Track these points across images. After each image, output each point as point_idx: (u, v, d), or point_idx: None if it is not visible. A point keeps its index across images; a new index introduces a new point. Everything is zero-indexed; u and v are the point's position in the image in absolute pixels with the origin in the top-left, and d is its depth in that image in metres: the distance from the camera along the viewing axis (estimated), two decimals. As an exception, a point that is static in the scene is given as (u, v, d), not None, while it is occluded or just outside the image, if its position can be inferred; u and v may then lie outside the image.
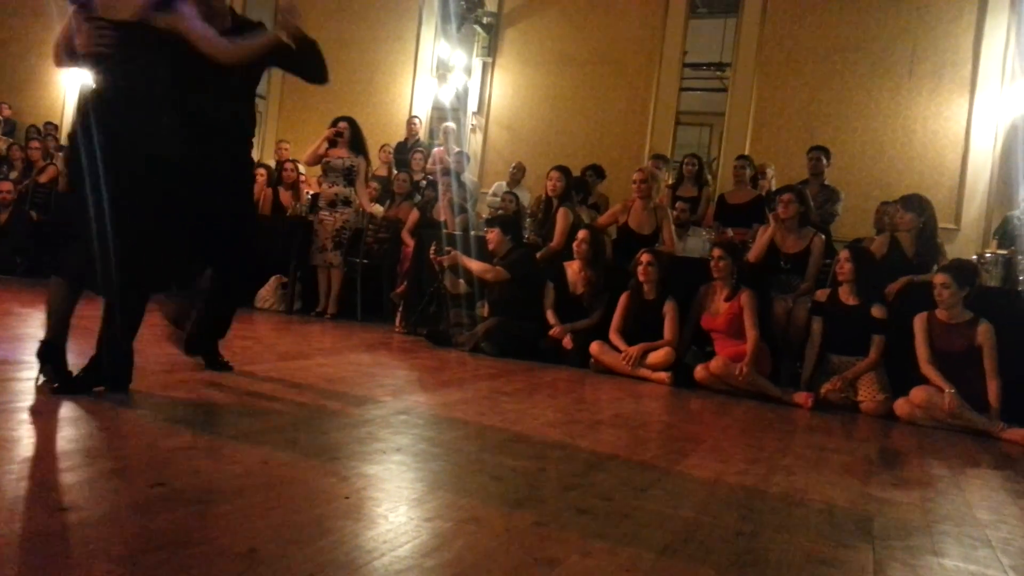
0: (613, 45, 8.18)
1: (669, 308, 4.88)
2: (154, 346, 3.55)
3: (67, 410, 2.63)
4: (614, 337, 4.94)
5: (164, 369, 3.43)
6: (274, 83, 9.42)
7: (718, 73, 9.74)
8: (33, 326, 4.56)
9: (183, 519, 1.77)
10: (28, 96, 10.31)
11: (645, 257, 4.95)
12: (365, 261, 6.66)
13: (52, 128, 9.31)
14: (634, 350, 4.77)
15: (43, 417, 2.53)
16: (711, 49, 9.25)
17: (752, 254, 5.21)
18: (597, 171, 7.17)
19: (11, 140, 9.09)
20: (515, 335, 5.14)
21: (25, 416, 2.52)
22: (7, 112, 9.78)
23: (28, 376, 2.98)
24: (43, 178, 7.75)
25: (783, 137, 7.67)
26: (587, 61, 8.24)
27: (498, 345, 5.12)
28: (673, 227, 5.66)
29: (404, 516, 1.98)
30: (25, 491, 1.85)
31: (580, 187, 6.51)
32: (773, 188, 6.27)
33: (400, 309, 6.05)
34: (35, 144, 8.21)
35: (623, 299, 5.03)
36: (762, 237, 5.25)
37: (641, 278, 4.95)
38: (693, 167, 6.81)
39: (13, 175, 7.74)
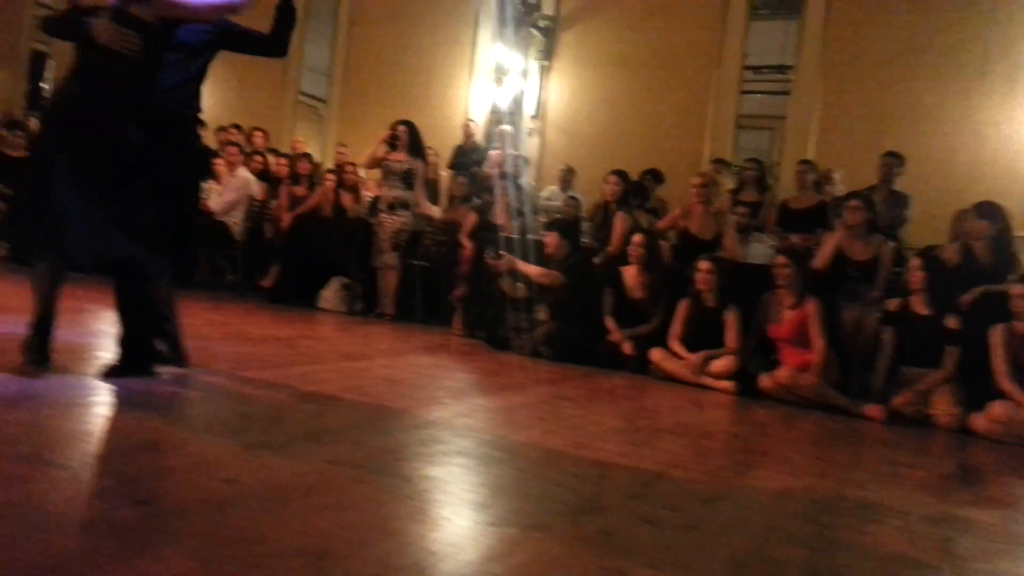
0: (671, 48, 8.09)
1: (731, 316, 4.79)
2: (221, 343, 3.63)
3: (140, 405, 2.70)
4: (674, 344, 4.86)
5: (232, 365, 3.49)
6: (334, 88, 9.56)
7: (780, 76, 9.54)
8: (102, 322, 4.71)
9: (255, 516, 1.79)
10: None
11: (704, 265, 4.87)
12: (424, 263, 6.70)
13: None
14: (696, 357, 4.69)
15: (118, 411, 2.59)
16: (773, 51, 9.08)
17: (818, 261, 5.08)
18: (655, 175, 7.09)
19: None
20: (573, 340, 5.11)
21: (101, 410, 2.59)
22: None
23: (95, 369, 3.06)
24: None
25: (849, 141, 7.47)
26: (645, 64, 8.16)
27: (556, 350, 5.09)
28: (735, 233, 5.56)
29: (469, 520, 1.98)
30: (104, 483, 1.89)
31: (638, 191, 6.44)
32: (840, 194, 6.11)
33: (459, 312, 6.07)
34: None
35: (683, 306, 4.95)
36: (828, 244, 5.11)
37: (701, 286, 4.87)
38: (754, 172, 6.68)
39: None
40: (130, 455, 2.14)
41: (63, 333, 3.06)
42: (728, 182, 6.96)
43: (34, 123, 10.44)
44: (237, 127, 8.20)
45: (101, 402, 2.67)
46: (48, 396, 2.67)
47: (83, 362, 3.15)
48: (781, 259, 4.75)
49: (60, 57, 11.41)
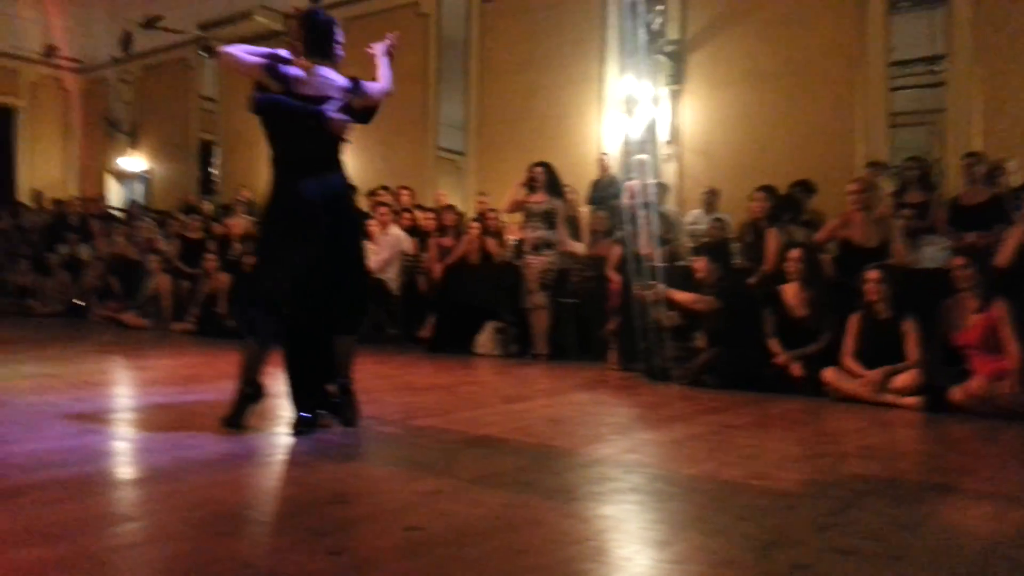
0: (808, 53, 7.77)
1: (909, 326, 4.45)
2: (389, 394, 3.77)
3: (324, 458, 2.84)
4: (849, 362, 4.57)
5: (402, 415, 3.62)
6: (470, 139, 9.87)
7: (931, 68, 8.92)
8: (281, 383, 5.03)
9: (441, 562, 1.83)
10: (263, 178, 11.51)
11: (873, 274, 4.57)
12: (573, 300, 6.71)
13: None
14: (876, 374, 4.39)
15: (305, 466, 2.74)
16: (920, 43, 8.51)
17: (1001, 259, 4.65)
18: (805, 187, 6.77)
19: (252, 218, 10.22)
20: (737, 365, 4.92)
21: (290, 466, 2.75)
22: (246, 194, 11.03)
23: (280, 428, 3.27)
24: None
25: (1019, 127, 6.84)
26: (781, 74, 7.87)
27: (720, 377, 4.92)
28: (902, 237, 5.19)
29: (650, 559, 1.93)
30: (299, 536, 2.00)
31: (789, 205, 6.17)
32: (1016, 184, 5.59)
33: (613, 346, 6.01)
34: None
35: (854, 321, 4.66)
36: (1011, 239, 4.67)
37: (872, 297, 4.56)
38: (916, 171, 6.24)
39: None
40: (320, 508, 2.25)
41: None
42: (888, 185, 6.53)
43: (207, 206, 11.52)
44: (385, 188, 8.63)
45: (289, 459, 2.84)
46: (243, 455, 2.88)
47: (269, 421, 3.36)
48: (960, 260, 4.38)
49: (226, 145, 12.55)
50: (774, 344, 4.96)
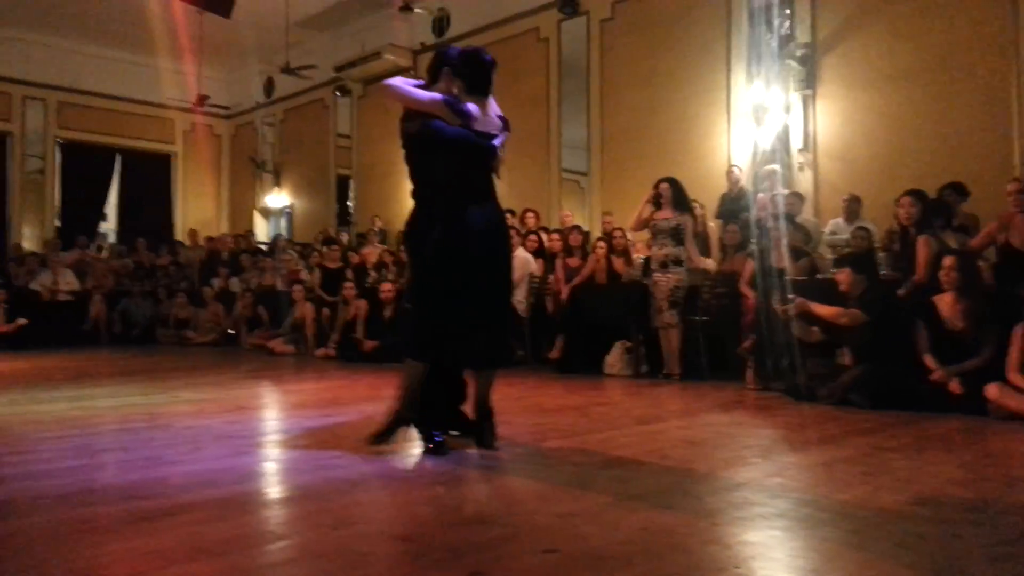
0: (954, 49, 7.26)
1: (1085, 336, 4.04)
2: (520, 416, 3.78)
3: (463, 480, 2.88)
4: (1015, 377, 4.18)
5: (534, 437, 3.62)
6: (593, 159, 9.86)
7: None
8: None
9: (581, 587, 1.80)
10: (394, 208, 12.00)
11: (1040, 280, 4.18)
12: (705, 318, 6.53)
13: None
14: (1045, 390, 4.00)
15: (445, 487, 2.78)
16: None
17: None
18: (957, 189, 6.30)
19: (384, 246, 10.62)
20: (888, 383, 4.60)
21: (430, 486, 2.80)
22: (379, 223, 11.48)
23: (416, 448, 3.33)
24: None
25: None
26: (925, 71, 7.39)
27: (869, 395, 4.62)
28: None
29: (803, 589, 1.81)
30: (440, 556, 2.02)
31: (940, 210, 5.74)
32: None
33: (750, 365, 5.79)
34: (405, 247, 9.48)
35: (1020, 331, 4.27)
36: None
37: (1039, 305, 4.18)
38: (1085, 166, 5.70)
39: (390, 276, 8.99)
40: (459, 528, 2.27)
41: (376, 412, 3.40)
42: (1051, 183, 5.98)
43: (344, 237, 12.08)
44: (510, 212, 8.75)
45: (428, 479, 2.89)
46: (384, 475, 2.96)
47: (406, 442, 3.45)
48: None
49: (360, 178, 13.14)
50: (929, 359, 4.62)
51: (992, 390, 4.21)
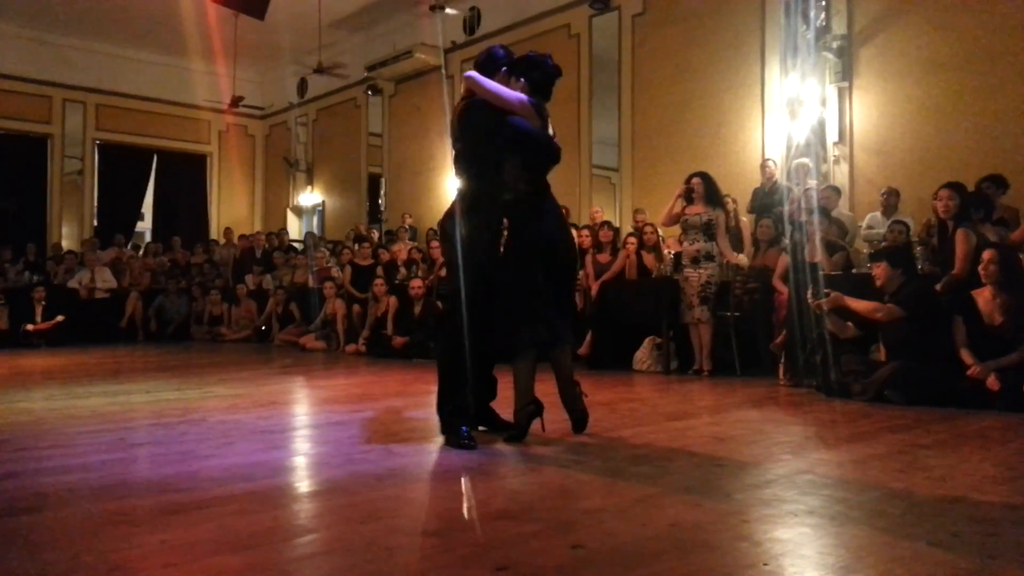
0: (994, 39, 7.08)
1: None
2: (548, 411, 3.75)
3: (484, 473, 2.88)
4: (1056, 373, 4.09)
5: (562, 432, 3.61)
6: (624, 155, 9.80)
7: None
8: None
9: (606, 583, 1.79)
10: (423, 205, 12.07)
11: (1083, 273, 4.07)
12: (736, 314, 6.46)
13: (448, 228, 10.68)
14: (1088, 386, 3.90)
15: (465, 480, 2.79)
16: None
17: None
18: (996, 182, 6.15)
19: (414, 243, 10.67)
20: (924, 379, 4.51)
21: (455, 483, 2.81)
22: (409, 221, 11.53)
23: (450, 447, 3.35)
24: (443, 272, 8.91)
25: None
26: (964, 62, 7.23)
27: (905, 392, 4.53)
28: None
29: (833, 587, 1.79)
30: (467, 551, 2.03)
31: (979, 203, 5.62)
32: None
33: (782, 361, 5.71)
34: (434, 244, 9.51)
35: (1061, 326, 4.17)
36: None
37: (1083, 299, 4.07)
38: None
39: (420, 273, 9.04)
40: (487, 523, 2.27)
41: (405, 406, 3.43)
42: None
43: (376, 234, 12.16)
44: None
45: (456, 474, 2.90)
46: (412, 469, 2.97)
47: (434, 436, 3.46)
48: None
49: (391, 176, 13.21)
50: (966, 355, 4.53)
51: (1032, 386, 4.11)
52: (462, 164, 3.53)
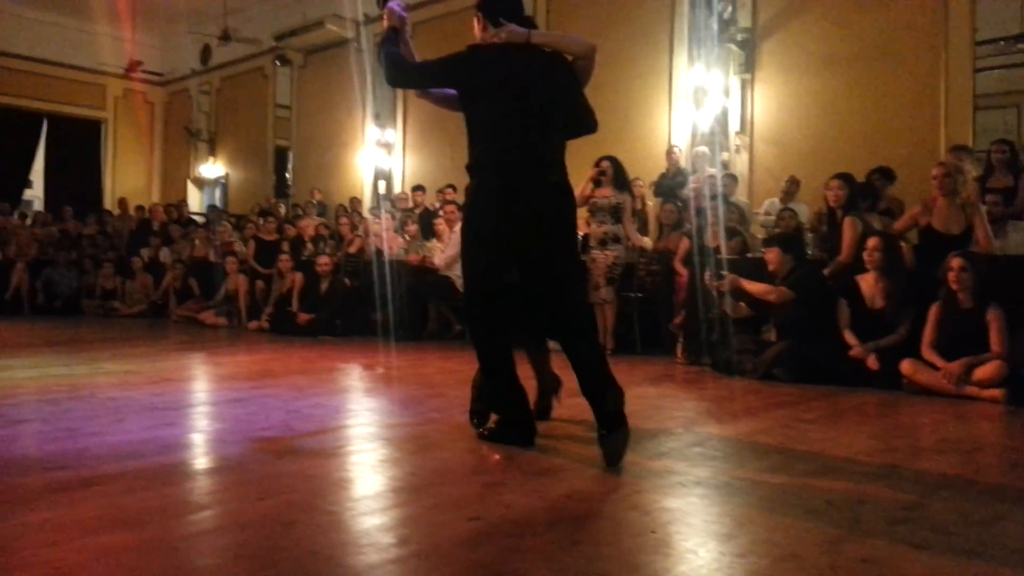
0: (887, 36, 7.48)
1: (993, 316, 4.25)
2: (454, 389, 3.79)
3: (385, 451, 2.89)
4: (928, 353, 4.39)
5: (466, 409, 3.64)
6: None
7: (1019, 46, 8.47)
8: (353, 379, 5.14)
9: (500, 552, 1.83)
10: (333, 180, 11.84)
11: (956, 262, 4.37)
12: (639, 295, 6.64)
13: (357, 203, 10.55)
14: (956, 366, 4.20)
15: (367, 458, 2.79)
16: (1007, 21, 8.08)
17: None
18: (885, 174, 6.52)
19: (322, 219, 10.46)
20: (810, 358, 4.78)
21: (355, 459, 2.81)
22: (318, 196, 11.30)
23: (354, 424, 3.33)
24: (352, 248, 8.79)
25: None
26: (858, 58, 7.60)
27: (792, 370, 4.79)
28: (987, 224, 4.96)
29: (715, 552, 1.89)
30: (364, 527, 2.04)
31: (867, 193, 5.94)
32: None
33: (680, 340, 5.93)
34: (344, 220, 9.36)
35: (934, 310, 4.47)
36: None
37: (954, 286, 4.37)
38: (1004, 154, 5.93)
39: (327, 249, 8.88)
40: (382, 498, 2.29)
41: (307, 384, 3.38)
42: (973, 169, 6.24)
43: (283, 209, 11.86)
44: (452, 187, 8.70)
45: (357, 452, 2.90)
46: (310, 448, 2.95)
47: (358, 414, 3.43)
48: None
49: (299, 149, 12.88)
50: (849, 336, 4.81)
51: (906, 366, 4.41)
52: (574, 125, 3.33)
